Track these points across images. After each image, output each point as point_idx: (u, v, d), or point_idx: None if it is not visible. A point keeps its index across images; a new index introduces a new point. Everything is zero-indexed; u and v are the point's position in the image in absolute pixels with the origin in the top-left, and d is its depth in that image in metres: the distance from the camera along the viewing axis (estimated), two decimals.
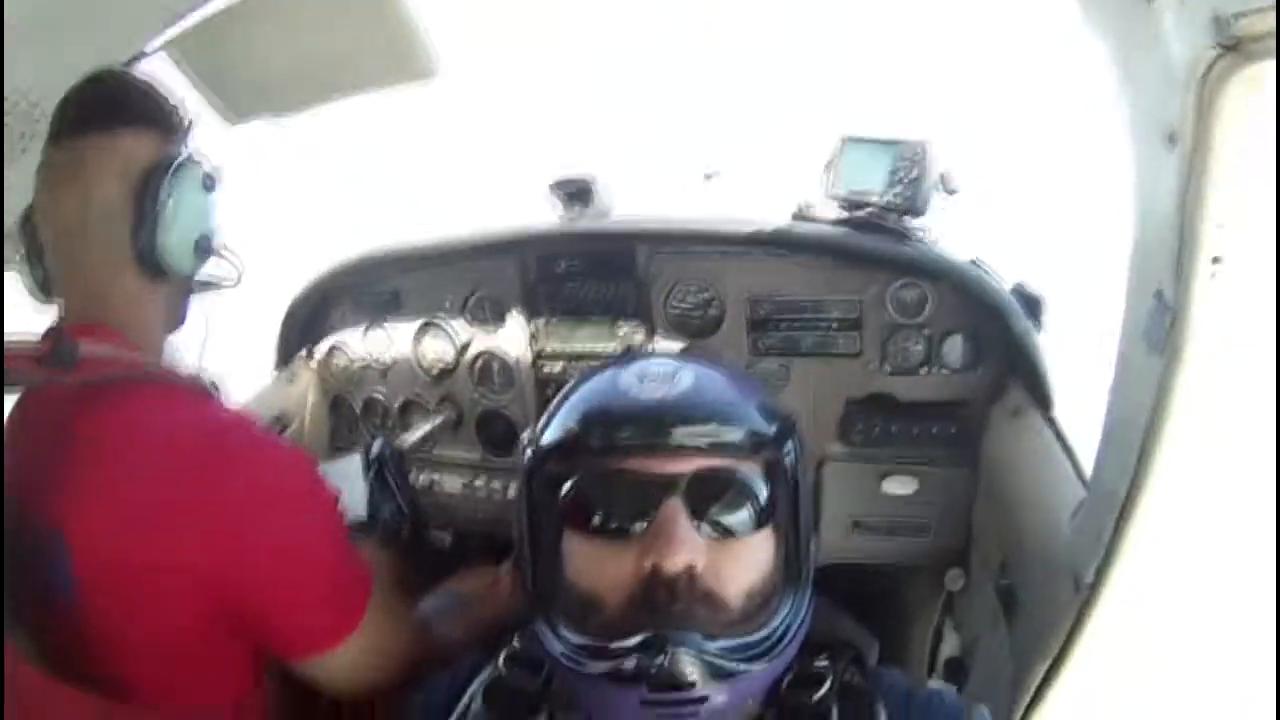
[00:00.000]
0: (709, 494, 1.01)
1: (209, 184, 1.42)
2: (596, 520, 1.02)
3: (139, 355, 1.35)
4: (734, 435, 1.03)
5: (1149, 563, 1.23)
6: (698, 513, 0.99)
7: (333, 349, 2.59)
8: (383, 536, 1.81)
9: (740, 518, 1.02)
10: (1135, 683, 1.34)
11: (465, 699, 1.18)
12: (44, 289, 1.44)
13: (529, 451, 1.11)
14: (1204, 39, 0.82)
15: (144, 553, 1.21)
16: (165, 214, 1.34)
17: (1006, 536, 1.74)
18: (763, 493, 1.04)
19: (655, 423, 1.01)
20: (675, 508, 0.98)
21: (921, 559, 2.09)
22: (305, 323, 2.58)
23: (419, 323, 2.44)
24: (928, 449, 2.01)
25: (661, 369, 1.08)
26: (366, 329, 2.52)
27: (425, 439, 2.39)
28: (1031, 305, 1.85)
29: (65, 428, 1.26)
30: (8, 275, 1.67)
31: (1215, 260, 1.00)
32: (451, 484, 2.53)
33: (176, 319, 1.50)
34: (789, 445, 1.08)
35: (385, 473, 1.85)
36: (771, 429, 1.06)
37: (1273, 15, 0.72)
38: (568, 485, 1.06)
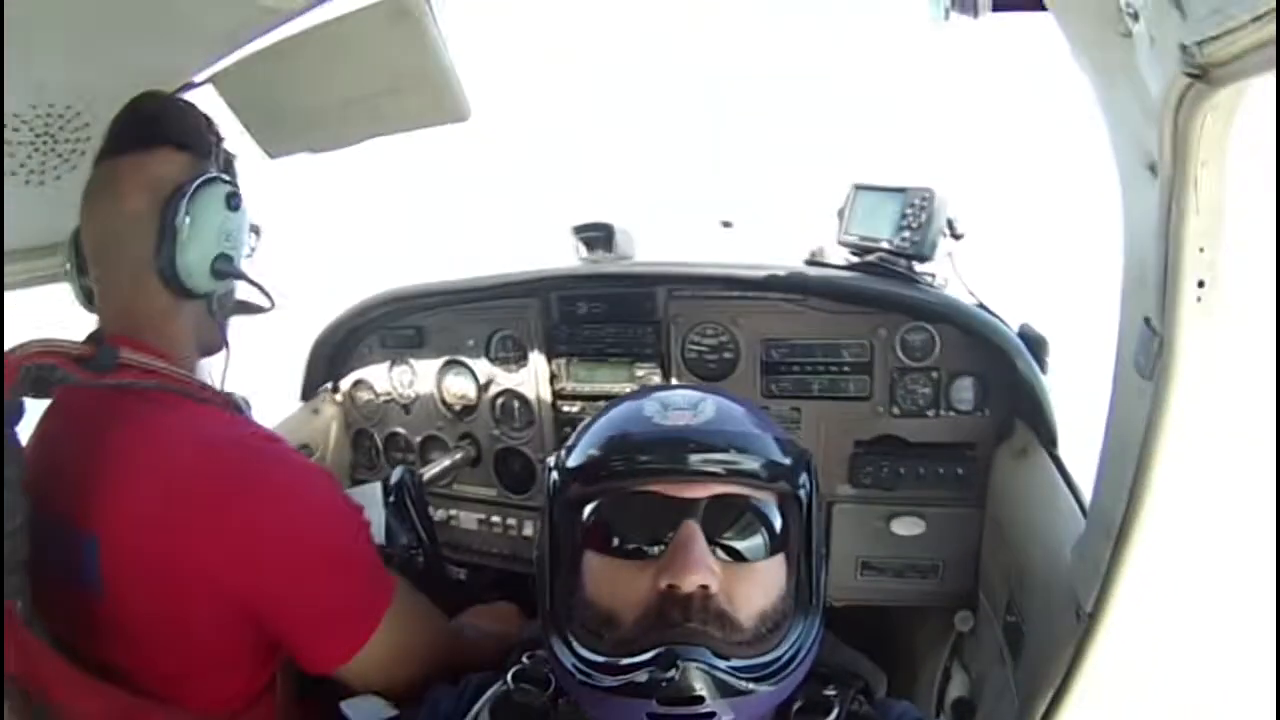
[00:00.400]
0: (725, 519, 1.05)
1: (232, 204, 1.43)
2: (616, 540, 1.06)
3: (173, 367, 1.39)
4: (751, 464, 1.07)
5: (1147, 587, 1.24)
6: (714, 536, 1.03)
7: (357, 383, 2.66)
8: (399, 563, 1.84)
9: (754, 543, 1.06)
10: (1138, 709, 1.34)
11: (472, 714, 1.21)
12: (89, 299, 1.49)
13: (554, 473, 1.15)
14: (1174, 69, 0.87)
15: (170, 556, 1.24)
16: (182, 232, 1.36)
17: (1013, 574, 1.75)
18: (777, 520, 1.08)
19: (676, 449, 1.05)
20: (692, 530, 1.02)
21: (930, 600, 2.09)
22: (331, 356, 2.65)
23: (442, 360, 2.51)
24: (936, 490, 2.03)
25: (684, 399, 1.12)
26: (391, 365, 2.58)
27: (444, 473, 2.43)
28: (1036, 346, 1.88)
29: (101, 431, 1.30)
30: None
31: (1200, 284, 1.05)
32: (468, 519, 2.57)
33: (212, 339, 1.53)
34: (803, 477, 1.12)
35: (405, 501, 1.88)
36: (787, 460, 1.10)
37: (1238, 39, 0.77)
38: (590, 506, 1.10)
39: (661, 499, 1.04)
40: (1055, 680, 1.38)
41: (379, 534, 1.80)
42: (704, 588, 0.99)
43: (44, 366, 1.22)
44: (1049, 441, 1.82)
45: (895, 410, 2.05)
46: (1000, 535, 1.88)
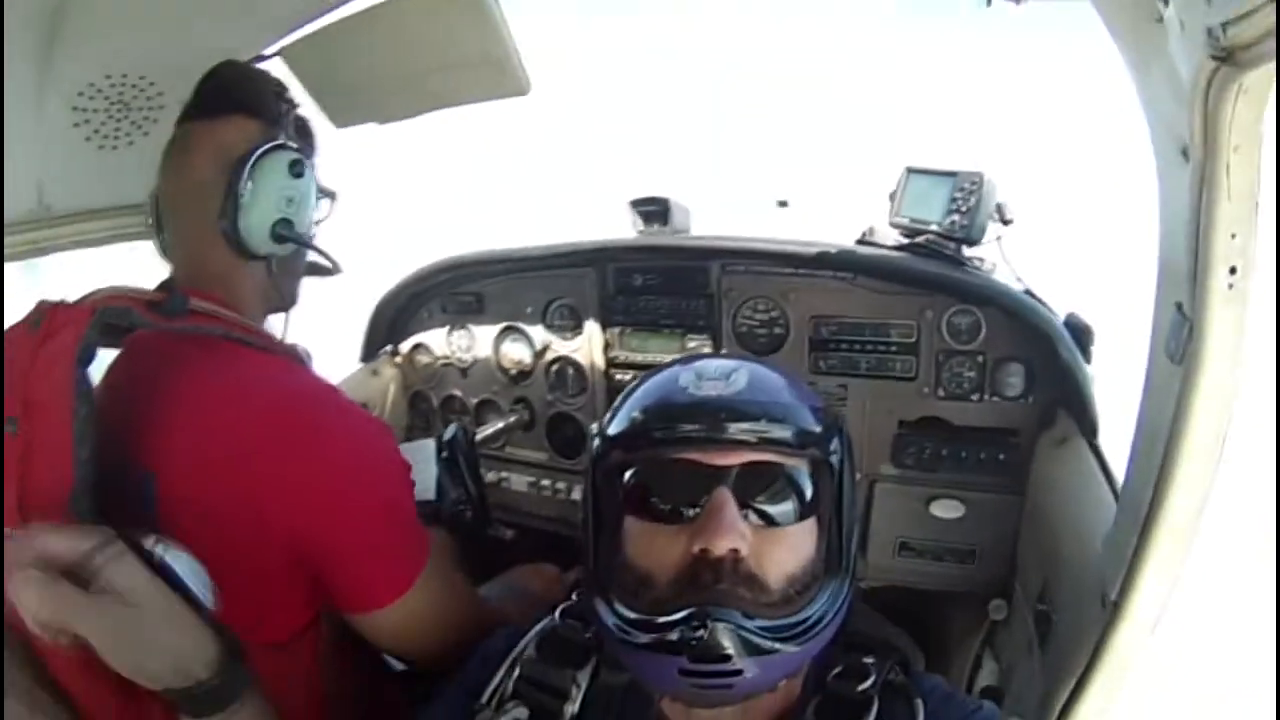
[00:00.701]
0: (756, 485, 1.08)
1: (295, 170, 1.48)
2: (653, 505, 1.10)
3: (239, 317, 1.47)
4: (782, 432, 1.09)
5: (1173, 575, 1.24)
6: (745, 502, 1.06)
7: (417, 346, 2.75)
8: (447, 518, 1.90)
9: (784, 508, 1.09)
10: (1161, 699, 1.34)
11: (520, 645, 1.28)
12: (166, 254, 1.58)
13: (596, 440, 1.20)
14: (1201, 52, 0.87)
15: (224, 494, 1.32)
16: (245, 196, 1.44)
17: (1046, 563, 1.75)
18: (807, 486, 1.11)
19: (710, 418, 1.08)
20: (724, 496, 1.05)
21: (966, 585, 2.09)
22: (393, 320, 2.75)
23: (500, 326, 2.59)
24: (977, 475, 2.03)
25: (719, 368, 1.15)
26: (450, 330, 2.67)
27: (497, 435, 2.52)
28: (1081, 335, 1.87)
29: (166, 373, 1.38)
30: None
31: (1232, 271, 1.04)
32: (519, 482, 2.65)
33: (282, 297, 1.60)
34: (835, 444, 1.14)
35: (457, 457, 1.93)
36: (818, 428, 1.13)
37: (1259, 20, 0.77)
38: (629, 472, 1.14)
39: (695, 466, 1.07)
40: (1078, 669, 1.38)
41: (430, 488, 1.88)
42: (734, 551, 1.03)
43: (118, 309, 1.31)
44: (1090, 431, 1.81)
45: (940, 392, 2.06)
46: (1037, 524, 1.88)
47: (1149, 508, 1.22)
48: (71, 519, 1.21)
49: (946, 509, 2.06)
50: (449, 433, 1.97)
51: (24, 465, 1.23)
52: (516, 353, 2.60)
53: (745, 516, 1.06)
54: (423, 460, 1.89)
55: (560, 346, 2.52)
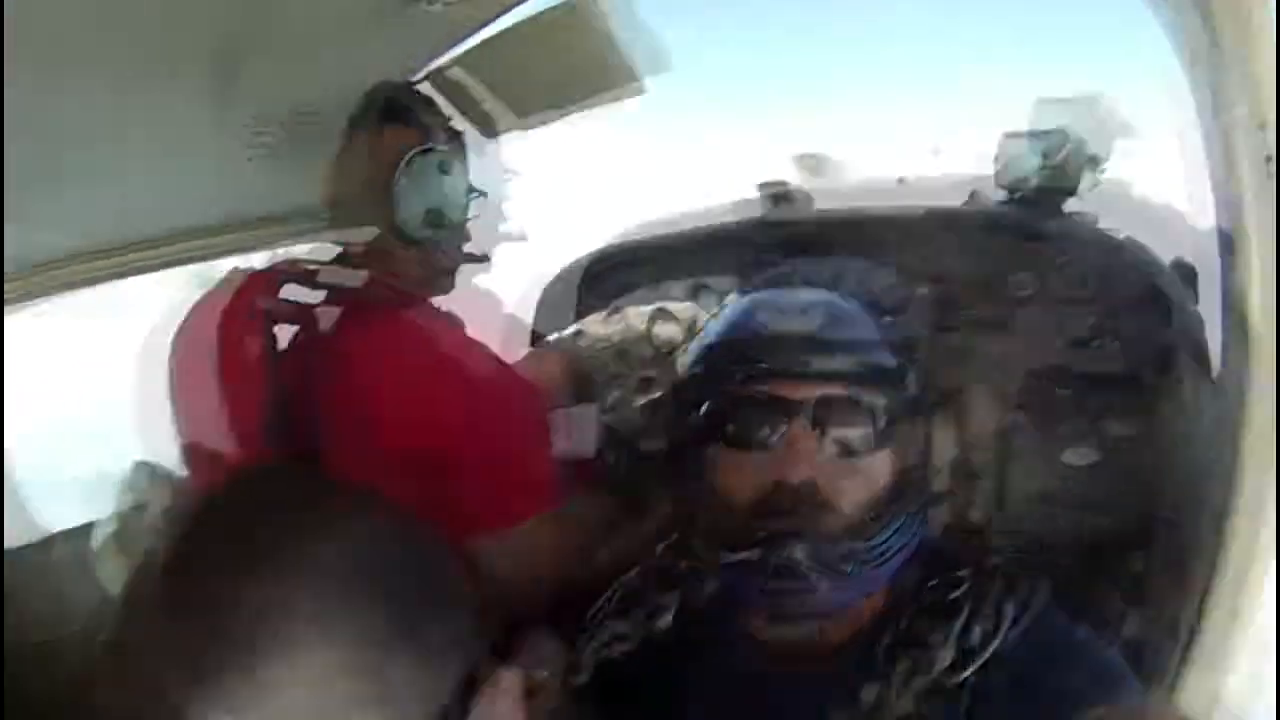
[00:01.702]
0: (832, 416, 1.15)
1: (444, 168, 1.75)
2: (733, 436, 1.19)
3: (402, 288, 1.75)
4: (857, 366, 1.18)
5: (1271, 459, 1.24)
6: (821, 433, 1.16)
7: (578, 332, 3.02)
8: (603, 477, 2.08)
9: (858, 440, 1.17)
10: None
11: (628, 575, 1.45)
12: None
13: (680, 370, 1.33)
14: None
15: (380, 424, 1.54)
16: (397, 191, 1.71)
17: (1175, 503, 1.75)
18: (882, 418, 1.19)
19: (787, 353, 1.17)
20: (802, 427, 1.15)
21: (1106, 538, 2.04)
22: (554, 308, 3.00)
23: (653, 308, 2.74)
24: (1104, 421, 2.02)
25: (797, 303, 1.25)
26: (607, 315, 2.91)
27: (652, 405, 2.72)
28: (1187, 276, 1.87)
29: (336, 328, 1.62)
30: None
31: (1268, 160, 1.07)
32: None
33: (438, 281, 1.88)
34: (909, 375, 1.23)
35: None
36: (893, 361, 1.22)
37: None
38: (710, 404, 1.23)
39: (774, 399, 1.16)
40: (1200, 588, 1.39)
41: (590, 447, 2.00)
42: (810, 480, 1.12)
43: (298, 273, 1.61)
44: (1205, 368, 1.78)
45: (1061, 341, 2.06)
46: (1166, 467, 1.87)
47: (1240, 394, 1.25)
48: (263, 446, 1.51)
49: (1079, 456, 2.04)
50: (611, 398, 2.22)
51: (223, 401, 1.54)
52: (667, 332, 2.77)
53: (821, 447, 1.16)
54: (586, 421, 2.04)
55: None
